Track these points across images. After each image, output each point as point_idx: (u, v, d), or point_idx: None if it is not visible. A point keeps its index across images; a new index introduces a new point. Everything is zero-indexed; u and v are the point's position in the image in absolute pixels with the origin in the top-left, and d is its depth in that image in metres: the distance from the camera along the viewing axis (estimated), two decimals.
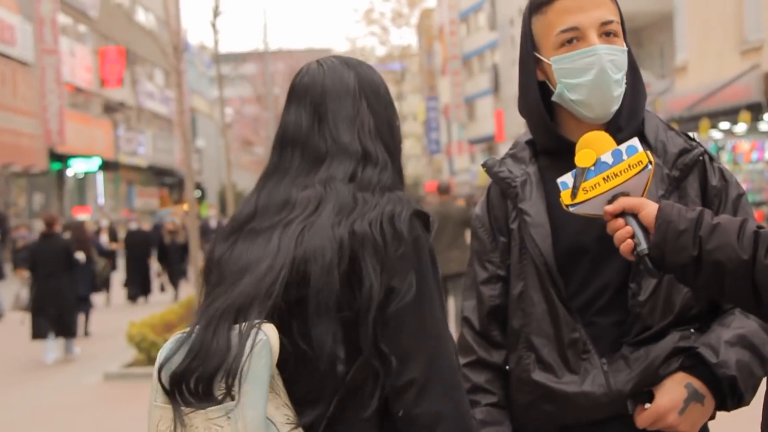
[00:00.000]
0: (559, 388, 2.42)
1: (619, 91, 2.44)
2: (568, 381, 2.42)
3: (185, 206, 24.00)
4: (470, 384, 2.56)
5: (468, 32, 66.32)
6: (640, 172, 2.23)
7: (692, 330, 2.42)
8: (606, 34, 2.43)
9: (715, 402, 2.37)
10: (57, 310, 14.44)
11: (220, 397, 1.95)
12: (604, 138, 2.30)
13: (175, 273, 24.98)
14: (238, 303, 2.03)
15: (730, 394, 2.36)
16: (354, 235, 2.05)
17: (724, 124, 22.87)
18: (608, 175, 2.24)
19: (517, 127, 48.39)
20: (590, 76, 2.40)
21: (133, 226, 26.42)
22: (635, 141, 2.27)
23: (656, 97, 25.87)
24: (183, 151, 17.82)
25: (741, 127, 22.19)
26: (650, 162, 2.23)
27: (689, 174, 2.47)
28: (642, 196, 2.26)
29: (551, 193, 2.48)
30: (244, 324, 1.98)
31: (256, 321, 1.98)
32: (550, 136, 2.52)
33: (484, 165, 2.64)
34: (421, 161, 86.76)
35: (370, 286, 2.02)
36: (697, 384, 2.36)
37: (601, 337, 2.43)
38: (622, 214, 2.23)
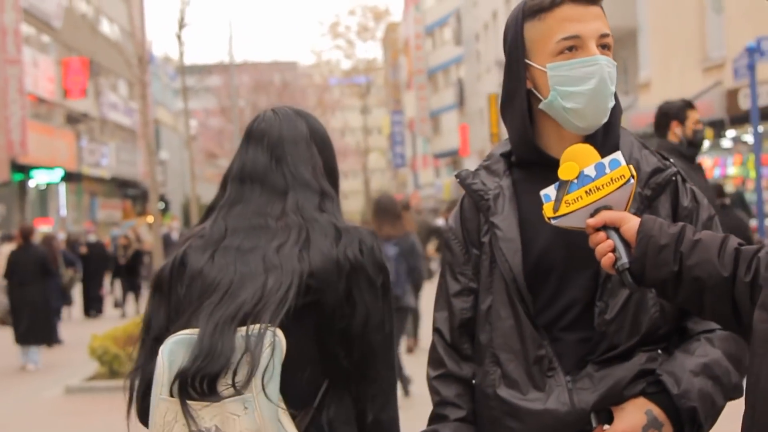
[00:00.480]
0: (524, 405, 2.41)
1: (612, 103, 2.44)
2: (533, 398, 2.41)
3: (149, 218, 23.83)
4: (439, 398, 2.56)
5: (434, 47, 66.58)
6: (622, 185, 2.21)
7: (659, 351, 2.42)
8: (603, 47, 2.43)
9: (673, 430, 2.36)
10: (29, 319, 15.09)
11: (224, 392, 2.26)
12: (587, 151, 2.29)
13: (125, 287, 24.64)
14: (245, 310, 2.35)
15: (689, 424, 2.35)
16: (348, 261, 2.43)
17: None
18: (591, 189, 2.23)
19: (482, 142, 48.54)
20: (590, 85, 2.39)
21: (92, 238, 26.13)
22: (618, 155, 2.26)
23: None
24: (147, 163, 17.75)
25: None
26: (633, 176, 2.22)
27: (661, 193, 2.46)
28: (625, 210, 2.25)
29: (524, 208, 2.48)
30: (253, 327, 2.31)
31: (268, 324, 2.31)
32: (529, 147, 2.50)
33: (457, 176, 2.63)
34: (385, 175, 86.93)
35: (365, 312, 2.44)
36: (657, 411, 2.35)
37: (567, 353, 2.42)
38: (604, 227, 2.21)
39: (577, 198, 2.24)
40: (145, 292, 24.31)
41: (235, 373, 2.26)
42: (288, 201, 2.50)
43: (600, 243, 2.21)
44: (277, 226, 2.47)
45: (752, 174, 20.50)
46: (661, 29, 26.28)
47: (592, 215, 2.23)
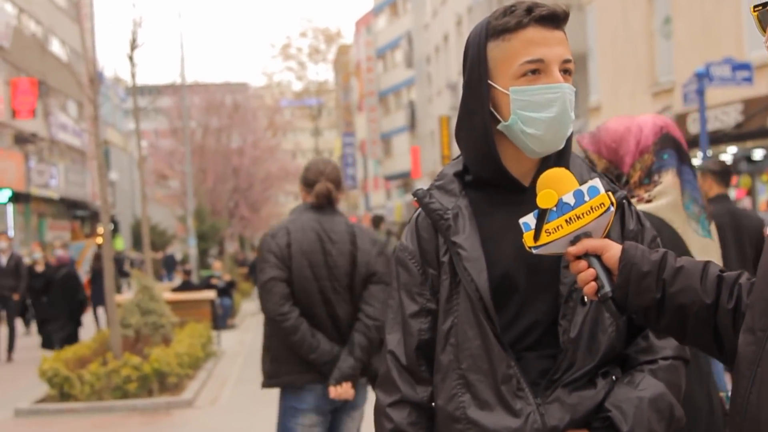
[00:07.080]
0: (496, 426, 2.39)
1: (571, 129, 2.45)
2: (505, 419, 2.39)
3: (99, 239, 23.58)
4: (393, 425, 2.52)
5: (385, 69, 66.77)
6: (602, 213, 2.20)
7: (614, 378, 2.44)
8: (565, 72, 2.42)
9: None
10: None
11: None
12: (564, 176, 2.27)
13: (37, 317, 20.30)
14: None
15: None
16: None
17: None
18: (571, 217, 2.21)
19: (433, 164, 48.67)
20: (552, 113, 2.38)
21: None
22: (597, 182, 2.24)
23: None
24: (98, 183, 17.59)
25: None
26: (612, 203, 2.21)
27: None
28: (602, 236, 2.24)
29: (483, 227, 2.47)
30: None
31: None
32: (492, 167, 2.48)
33: (414, 194, 2.60)
34: None
35: None
36: None
37: (530, 372, 2.41)
38: (585, 255, 2.21)
39: (558, 227, 2.22)
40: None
41: None
42: None
43: (581, 271, 2.21)
44: None
45: None
46: (611, 54, 26.57)
47: (572, 243, 2.22)
